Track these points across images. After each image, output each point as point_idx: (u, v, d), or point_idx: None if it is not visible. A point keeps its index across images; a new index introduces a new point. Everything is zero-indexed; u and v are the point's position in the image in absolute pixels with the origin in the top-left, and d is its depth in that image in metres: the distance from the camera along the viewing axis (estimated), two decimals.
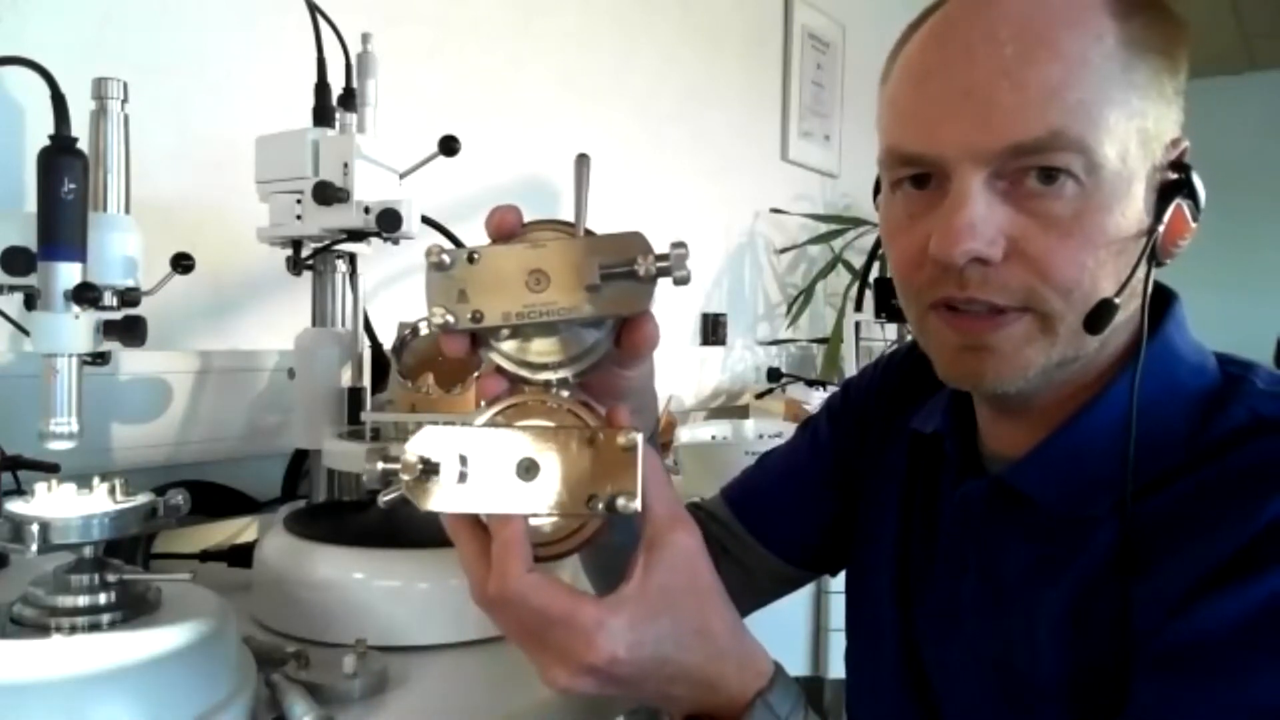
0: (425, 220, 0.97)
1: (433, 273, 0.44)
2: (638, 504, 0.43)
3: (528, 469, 0.43)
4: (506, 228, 0.46)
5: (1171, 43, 0.54)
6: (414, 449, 0.44)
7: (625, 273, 0.43)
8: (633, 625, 0.43)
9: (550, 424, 0.45)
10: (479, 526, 0.45)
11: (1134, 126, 0.52)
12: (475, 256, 0.44)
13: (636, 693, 0.46)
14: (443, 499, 0.44)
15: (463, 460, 0.43)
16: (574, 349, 0.45)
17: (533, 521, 0.45)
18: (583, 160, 0.46)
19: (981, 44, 0.52)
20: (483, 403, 0.46)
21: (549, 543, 0.45)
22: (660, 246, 0.44)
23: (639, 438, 0.43)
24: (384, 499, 0.46)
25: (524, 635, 0.45)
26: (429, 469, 0.43)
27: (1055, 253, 0.51)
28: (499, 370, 0.47)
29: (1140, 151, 0.53)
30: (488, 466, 0.43)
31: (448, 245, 0.45)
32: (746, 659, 0.48)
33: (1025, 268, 0.52)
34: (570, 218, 0.46)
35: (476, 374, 0.93)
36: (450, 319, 0.44)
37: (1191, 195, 0.54)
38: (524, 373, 0.46)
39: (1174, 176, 0.54)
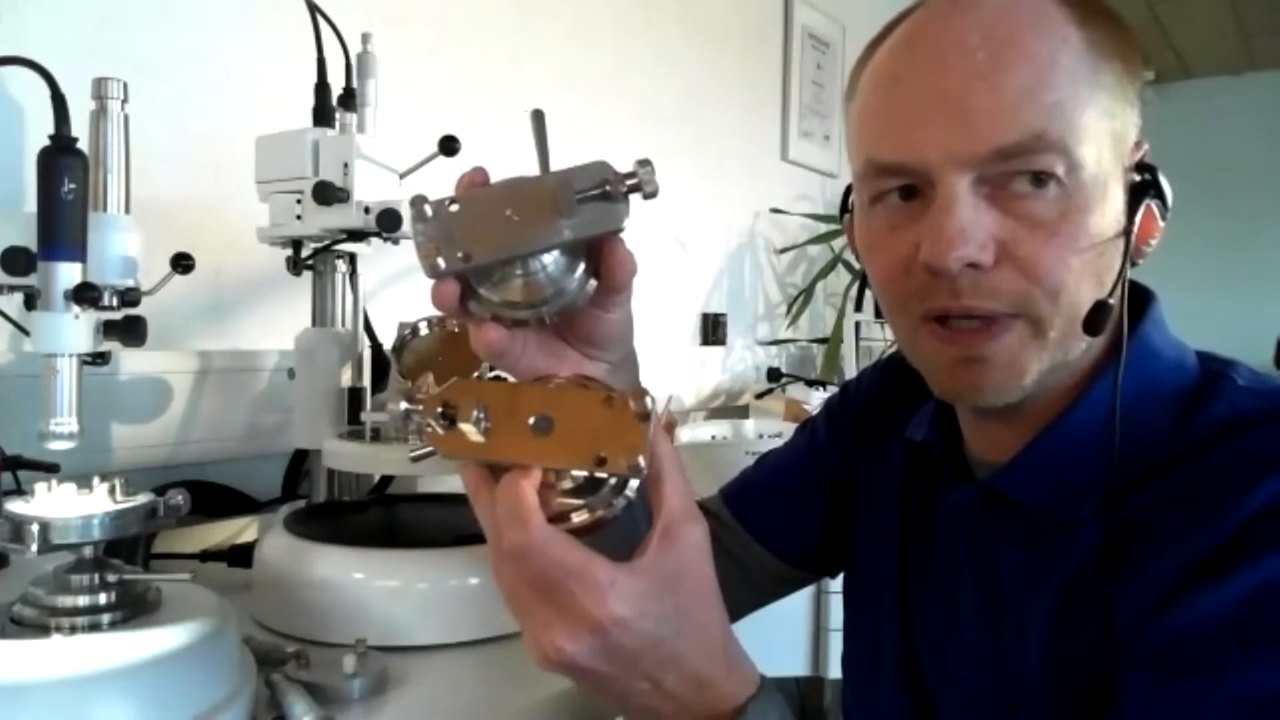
0: None
1: (418, 224, 0.46)
2: (642, 462, 0.43)
3: (542, 424, 0.44)
4: (477, 184, 0.48)
5: (1128, 49, 0.55)
6: (438, 395, 0.46)
7: (598, 195, 0.45)
8: (641, 594, 0.44)
9: (569, 385, 0.46)
10: (496, 482, 0.46)
11: (1106, 128, 0.53)
12: (455, 203, 0.46)
13: (627, 677, 0.45)
14: (459, 446, 0.45)
15: (482, 409, 0.45)
16: (557, 285, 0.47)
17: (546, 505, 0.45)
18: (538, 115, 0.48)
19: (953, 49, 0.52)
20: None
21: (554, 518, 0.45)
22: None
23: (653, 404, 0.44)
24: (412, 455, 0.47)
25: (530, 590, 0.44)
26: (449, 415, 0.45)
27: (1044, 254, 0.52)
28: (494, 319, 0.48)
29: (1113, 153, 0.53)
30: (504, 418, 0.45)
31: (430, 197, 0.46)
32: (736, 664, 0.48)
33: (1016, 271, 0.52)
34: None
35: (476, 374, 0.93)
36: (441, 262, 0.45)
37: (1159, 195, 0.55)
38: (513, 314, 0.48)
39: (1141, 177, 0.55)
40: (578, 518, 0.45)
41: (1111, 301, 0.53)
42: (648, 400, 0.44)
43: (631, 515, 0.46)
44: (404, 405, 0.47)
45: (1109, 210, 0.53)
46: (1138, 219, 0.54)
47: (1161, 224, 0.56)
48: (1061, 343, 0.54)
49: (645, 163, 0.46)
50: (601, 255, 0.48)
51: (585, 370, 0.51)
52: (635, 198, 0.46)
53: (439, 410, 0.45)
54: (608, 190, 0.46)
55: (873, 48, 0.59)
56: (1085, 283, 0.53)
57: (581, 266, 0.48)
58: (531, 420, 0.44)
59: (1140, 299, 0.60)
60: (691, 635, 0.46)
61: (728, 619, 0.49)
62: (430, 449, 0.47)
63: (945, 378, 0.57)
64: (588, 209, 0.45)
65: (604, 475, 0.45)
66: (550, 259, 0.47)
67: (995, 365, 0.54)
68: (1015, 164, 0.51)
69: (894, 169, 0.54)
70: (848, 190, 0.65)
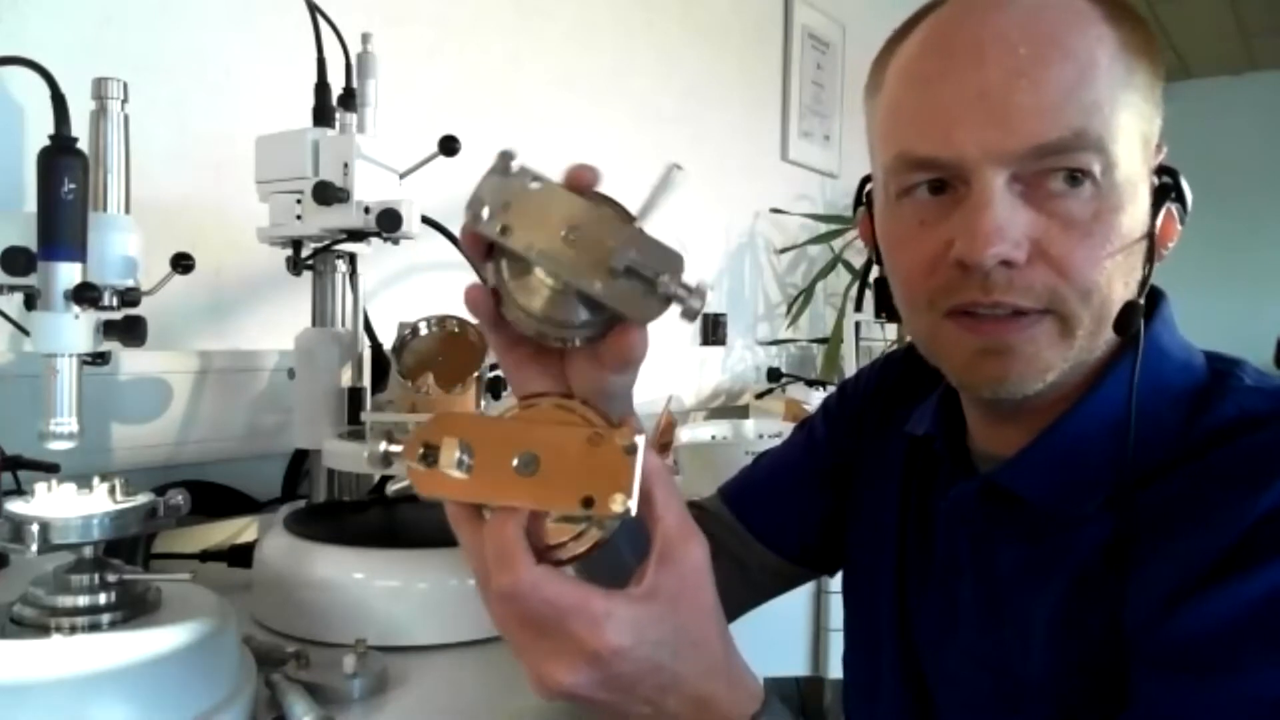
0: (425, 220, 0.97)
1: (494, 174, 0.45)
2: (632, 506, 0.42)
3: (527, 463, 0.43)
4: (579, 182, 0.46)
5: (1153, 50, 0.55)
6: (418, 434, 0.44)
7: (646, 278, 0.43)
8: (639, 622, 0.43)
9: (556, 422, 0.45)
10: (482, 519, 0.45)
11: (1137, 128, 0.53)
12: (538, 181, 0.45)
13: (628, 702, 0.45)
14: (441, 486, 0.44)
15: (464, 449, 0.43)
16: (563, 313, 0.45)
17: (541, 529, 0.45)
18: (674, 170, 0.46)
19: (993, 45, 0.52)
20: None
21: (548, 548, 0.45)
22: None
23: (641, 441, 0.43)
24: (393, 489, 0.46)
25: (525, 628, 0.44)
26: (430, 455, 0.44)
27: (1077, 253, 0.52)
28: (493, 292, 0.47)
29: (1142, 154, 0.54)
30: (488, 457, 0.44)
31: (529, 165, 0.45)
32: (738, 680, 0.48)
33: (1048, 269, 0.52)
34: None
35: (475, 374, 0.93)
36: (484, 214, 0.44)
37: (1180, 198, 0.55)
38: (511, 299, 0.46)
39: (1162, 180, 0.55)
40: (570, 548, 0.44)
41: (1141, 301, 0.53)
42: (636, 437, 0.43)
43: (630, 533, 0.46)
44: (383, 447, 0.45)
45: (1138, 211, 0.54)
46: (1159, 220, 0.54)
47: (1179, 227, 0.56)
48: (1088, 342, 0.54)
49: (703, 289, 0.44)
50: (616, 326, 0.46)
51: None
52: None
53: (420, 451, 0.44)
54: (656, 282, 0.43)
55: (897, 41, 0.58)
56: (1115, 283, 0.53)
57: (591, 316, 0.46)
58: (515, 461, 0.43)
59: (1150, 298, 0.60)
60: (691, 656, 0.45)
61: (729, 634, 0.48)
62: (410, 484, 0.45)
63: (967, 368, 0.56)
64: (628, 283, 0.43)
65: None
66: (568, 290, 0.45)
67: (1020, 357, 0.54)
68: (1053, 161, 0.51)
69: (928, 163, 0.54)
70: (863, 182, 0.64)
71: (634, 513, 0.43)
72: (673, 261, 0.44)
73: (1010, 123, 0.51)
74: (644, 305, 0.44)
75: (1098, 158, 0.51)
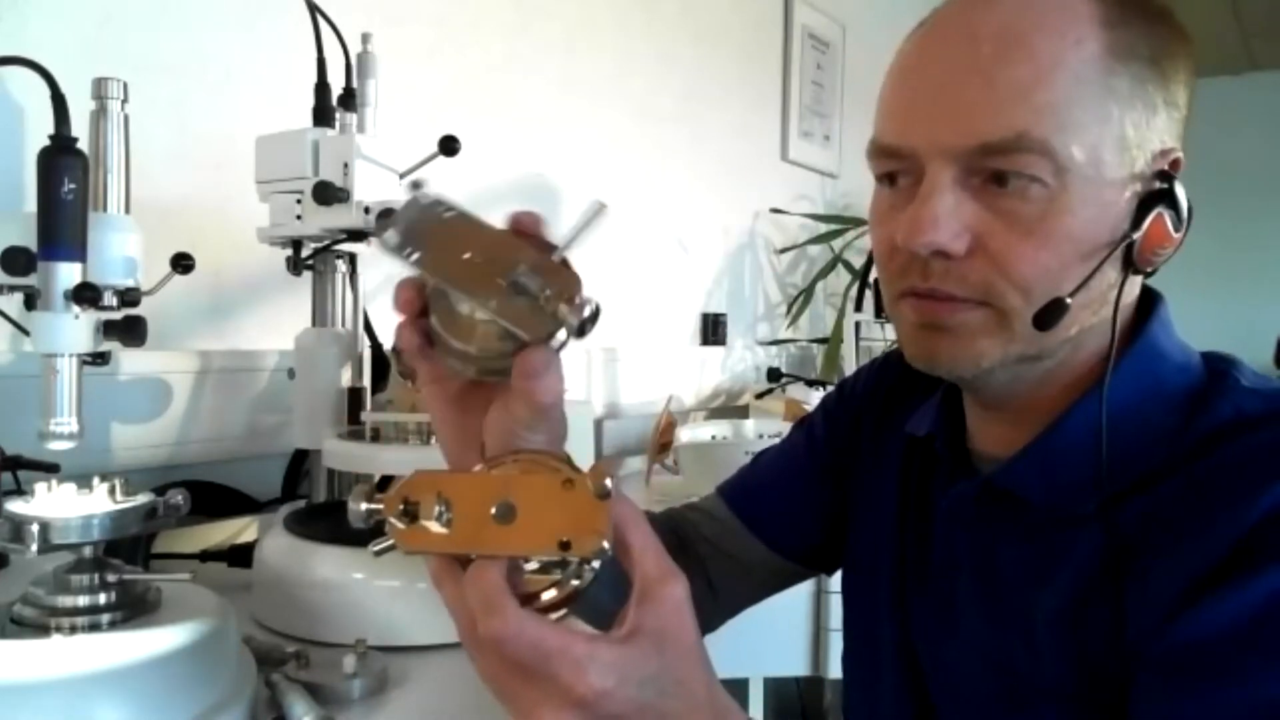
0: None
1: (410, 207, 0.46)
2: (607, 544, 0.43)
3: (504, 513, 0.44)
4: (519, 226, 0.46)
5: (1163, 53, 0.54)
6: (397, 492, 0.45)
7: (528, 294, 0.44)
8: (623, 663, 0.43)
9: (528, 472, 0.46)
10: (463, 574, 0.46)
11: (1110, 133, 0.52)
12: (451, 211, 0.46)
13: None
14: (423, 540, 0.45)
15: (443, 502, 0.45)
16: (490, 347, 0.46)
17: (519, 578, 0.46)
18: (597, 206, 0.46)
19: (961, 43, 0.53)
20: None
21: (527, 597, 0.45)
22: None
23: (612, 482, 0.44)
24: (375, 548, 0.47)
25: (513, 675, 0.44)
26: (410, 510, 0.45)
27: (1016, 251, 0.52)
28: (428, 340, 0.47)
29: (1117, 159, 0.53)
30: (466, 509, 0.45)
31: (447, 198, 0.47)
32: (723, 714, 0.47)
33: (987, 263, 0.53)
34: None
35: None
36: (391, 236, 0.45)
37: (1174, 206, 0.54)
38: (443, 339, 0.47)
39: (1158, 186, 0.54)
40: (548, 595, 0.45)
41: (1069, 300, 0.52)
42: (606, 481, 0.44)
43: (613, 583, 0.46)
44: (364, 505, 0.46)
45: (1104, 216, 0.53)
46: (1144, 227, 0.53)
47: (1174, 235, 0.55)
48: (1032, 338, 0.54)
49: (583, 306, 0.44)
50: (518, 356, 0.45)
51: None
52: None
53: (400, 507, 0.45)
54: (541, 297, 0.44)
55: (913, 31, 0.60)
56: (1064, 282, 0.53)
57: (505, 348, 0.46)
58: (493, 510, 0.44)
59: (1148, 300, 0.60)
60: (676, 694, 0.45)
61: (712, 669, 0.48)
62: (393, 543, 0.46)
63: (909, 342, 0.59)
64: (520, 299, 0.44)
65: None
66: (487, 316, 0.45)
67: (950, 335, 0.55)
68: (995, 161, 0.52)
69: (890, 151, 0.56)
70: None
71: (609, 551, 0.44)
72: (568, 282, 0.44)
73: (958, 119, 0.52)
74: (532, 322, 0.44)
75: (1043, 161, 0.51)
